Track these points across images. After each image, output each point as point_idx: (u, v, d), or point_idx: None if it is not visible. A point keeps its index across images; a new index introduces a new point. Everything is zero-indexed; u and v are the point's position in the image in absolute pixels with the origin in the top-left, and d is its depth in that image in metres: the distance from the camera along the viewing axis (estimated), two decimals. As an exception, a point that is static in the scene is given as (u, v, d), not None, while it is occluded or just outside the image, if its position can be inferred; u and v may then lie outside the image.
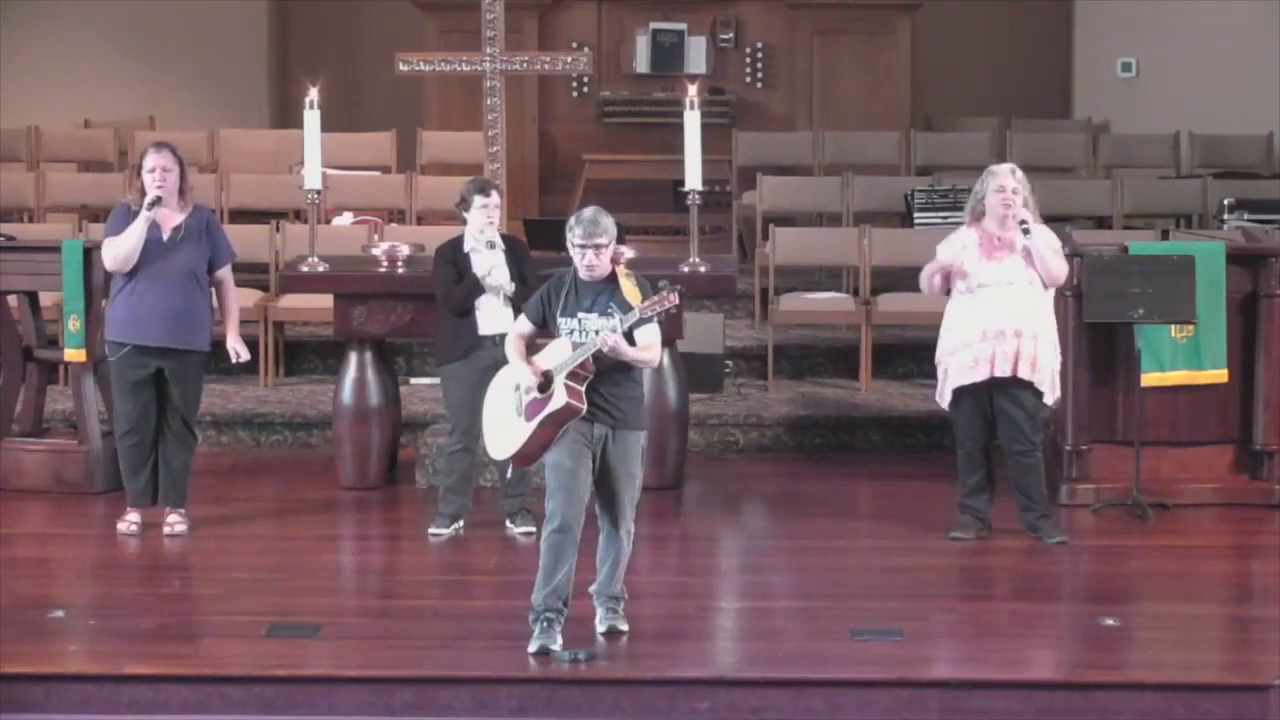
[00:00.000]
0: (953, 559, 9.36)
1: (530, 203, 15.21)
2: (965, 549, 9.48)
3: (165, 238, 9.52)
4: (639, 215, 14.45)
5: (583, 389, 7.95)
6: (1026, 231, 9.39)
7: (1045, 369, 9.44)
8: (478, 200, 9.59)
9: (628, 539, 8.16)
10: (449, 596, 8.91)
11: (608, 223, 8.07)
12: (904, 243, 12.87)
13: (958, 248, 9.56)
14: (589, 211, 8.12)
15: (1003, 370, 9.40)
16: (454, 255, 9.69)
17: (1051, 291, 9.56)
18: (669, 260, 10.84)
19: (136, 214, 9.51)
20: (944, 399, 9.61)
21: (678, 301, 7.93)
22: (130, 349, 9.54)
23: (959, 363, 9.49)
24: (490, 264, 9.58)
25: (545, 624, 7.99)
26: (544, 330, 8.20)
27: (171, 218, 9.55)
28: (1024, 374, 9.39)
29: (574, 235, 8.06)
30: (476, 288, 9.59)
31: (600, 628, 8.18)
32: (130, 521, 9.70)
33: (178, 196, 9.56)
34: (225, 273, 9.73)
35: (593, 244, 8.01)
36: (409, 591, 8.97)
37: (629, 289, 8.02)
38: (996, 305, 9.42)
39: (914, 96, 15.79)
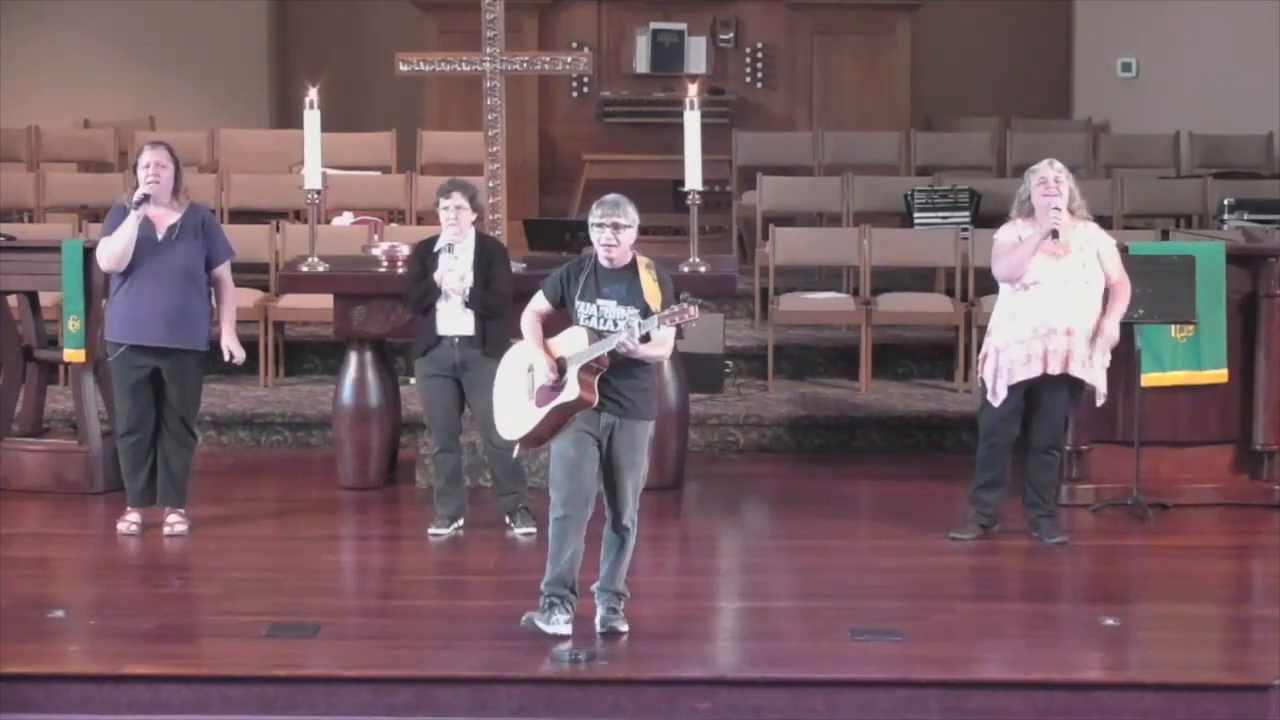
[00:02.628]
0: (952, 559, 9.36)
1: (530, 203, 15.21)
2: (965, 549, 9.48)
3: (160, 237, 9.50)
4: (639, 215, 14.43)
5: (595, 380, 8.01)
6: (1055, 234, 9.30)
7: (1100, 368, 9.43)
8: (440, 201, 9.67)
9: (633, 528, 8.18)
10: (449, 596, 8.91)
11: (630, 208, 8.16)
12: (904, 243, 12.89)
13: (1018, 238, 9.47)
14: (613, 195, 8.22)
15: (1054, 368, 9.36)
16: (424, 254, 9.78)
17: (1102, 293, 9.48)
18: (669, 260, 10.82)
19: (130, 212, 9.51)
20: (998, 396, 9.47)
21: (697, 316, 7.97)
22: (127, 349, 9.53)
23: (1012, 359, 9.43)
24: (447, 267, 9.63)
25: (547, 605, 8.09)
26: (560, 310, 8.27)
27: (166, 216, 9.53)
28: (1076, 372, 9.36)
29: (594, 215, 8.13)
30: (433, 289, 9.65)
31: (600, 629, 8.18)
32: (130, 521, 9.69)
33: (172, 195, 9.54)
34: (223, 270, 9.71)
35: (610, 221, 8.08)
36: (409, 591, 8.97)
37: (649, 285, 8.08)
38: (1050, 302, 9.36)
39: (914, 96, 15.78)
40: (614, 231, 8.08)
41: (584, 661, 7.82)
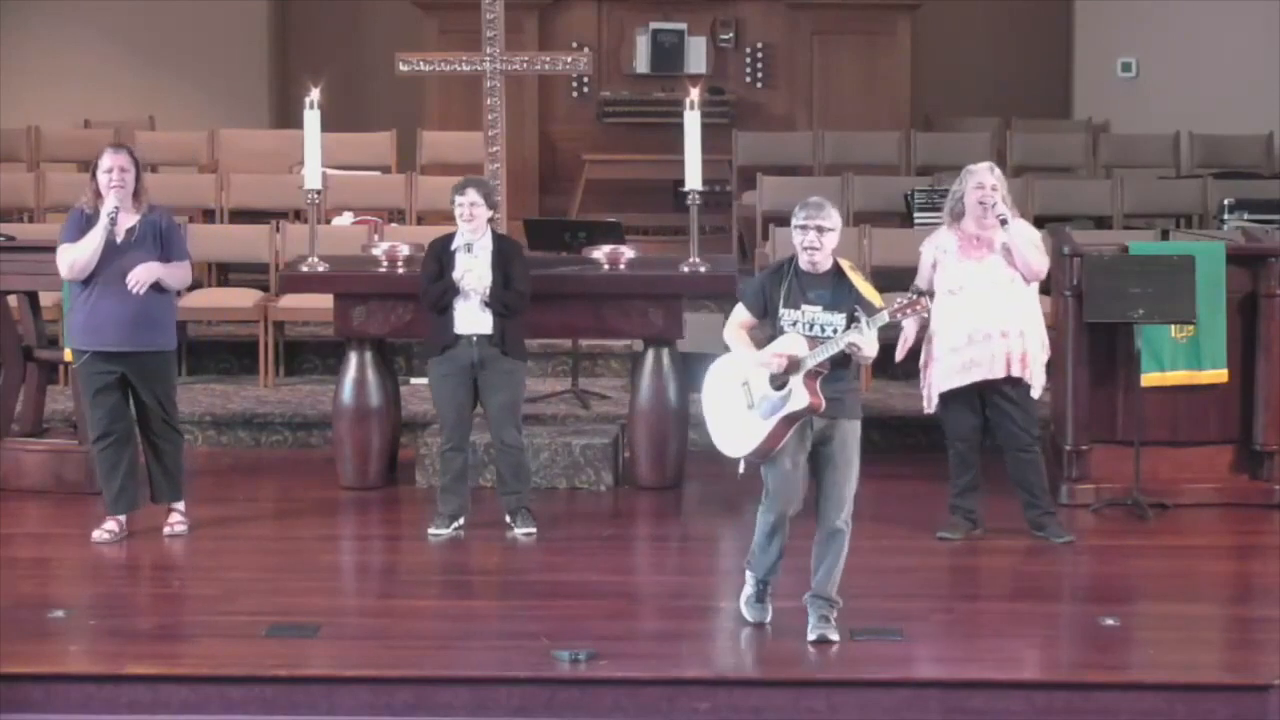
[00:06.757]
0: (952, 559, 9.36)
1: (530, 203, 15.21)
2: (964, 549, 9.47)
3: (119, 241, 9.35)
4: (639, 215, 14.45)
5: (818, 385, 7.93)
6: (1005, 222, 9.35)
7: (1035, 365, 9.43)
8: (455, 199, 9.64)
9: (846, 530, 8.16)
10: (449, 596, 8.91)
11: (834, 211, 8.03)
12: (904, 243, 12.82)
13: (938, 251, 9.55)
14: (816, 198, 8.07)
15: (996, 372, 9.39)
16: (440, 252, 9.73)
17: (1035, 286, 9.51)
18: (669, 260, 10.84)
19: (90, 218, 9.36)
20: (931, 404, 9.59)
21: (931, 307, 7.95)
22: (91, 355, 9.41)
23: (947, 367, 9.45)
24: (466, 267, 9.60)
25: (760, 594, 8.25)
26: (762, 320, 8.16)
27: (125, 220, 9.35)
28: (1016, 373, 9.38)
29: (797, 217, 8.01)
30: (452, 288, 9.61)
31: (810, 636, 8.06)
32: (106, 530, 9.56)
33: (133, 199, 9.39)
34: (174, 265, 9.41)
35: (815, 224, 7.96)
36: (409, 591, 8.97)
37: (864, 286, 7.98)
38: (981, 307, 9.39)
39: (914, 96, 15.80)
40: (818, 234, 7.96)
41: (584, 661, 7.82)
